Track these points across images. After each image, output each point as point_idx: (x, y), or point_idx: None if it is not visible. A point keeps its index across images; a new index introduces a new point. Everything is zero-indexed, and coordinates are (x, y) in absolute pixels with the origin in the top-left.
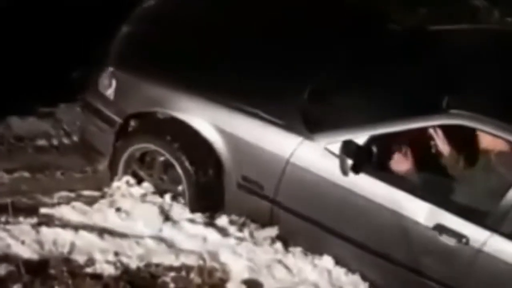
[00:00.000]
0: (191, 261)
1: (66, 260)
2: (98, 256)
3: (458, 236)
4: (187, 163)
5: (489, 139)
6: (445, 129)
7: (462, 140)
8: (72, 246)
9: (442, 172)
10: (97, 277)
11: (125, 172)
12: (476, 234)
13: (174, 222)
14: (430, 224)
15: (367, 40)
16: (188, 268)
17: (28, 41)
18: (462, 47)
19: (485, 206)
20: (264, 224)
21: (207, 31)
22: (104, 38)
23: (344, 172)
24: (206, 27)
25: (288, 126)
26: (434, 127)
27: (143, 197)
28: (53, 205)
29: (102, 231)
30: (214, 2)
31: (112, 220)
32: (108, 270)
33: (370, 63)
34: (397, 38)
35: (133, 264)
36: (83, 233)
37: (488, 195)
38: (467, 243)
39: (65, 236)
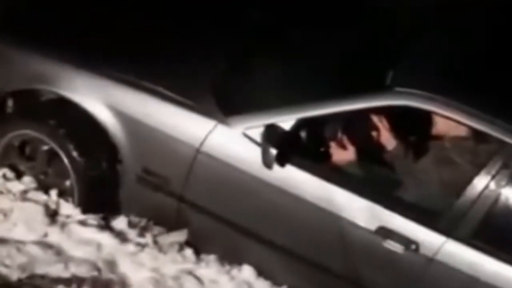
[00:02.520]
0: (83, 271)
1: None
2: None
3: (406, 241)
4: (75, 153)
5: (442, 122)
6: (390, 111)
7: (411, 124)
8: None
9: (386, 164)
10: None
11: (1, 164)
12: (427, 239)
13: (62, 225)
14: (372, 227)
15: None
16: (80, 280)
17: None
18: (412, 10)
19: (439, 205)
20: (170, 227)
21: None
22: None
23: (267, 164)
24: None
25: (199, 107)
26: (376, 110)
27: (23, 194)
28: None
29: None
30: None
31: None
32: None
33: (299, 30)
34: None
35: (14, 275)
36: None
37: (442, 191)
38: (416, 249)
39: None
